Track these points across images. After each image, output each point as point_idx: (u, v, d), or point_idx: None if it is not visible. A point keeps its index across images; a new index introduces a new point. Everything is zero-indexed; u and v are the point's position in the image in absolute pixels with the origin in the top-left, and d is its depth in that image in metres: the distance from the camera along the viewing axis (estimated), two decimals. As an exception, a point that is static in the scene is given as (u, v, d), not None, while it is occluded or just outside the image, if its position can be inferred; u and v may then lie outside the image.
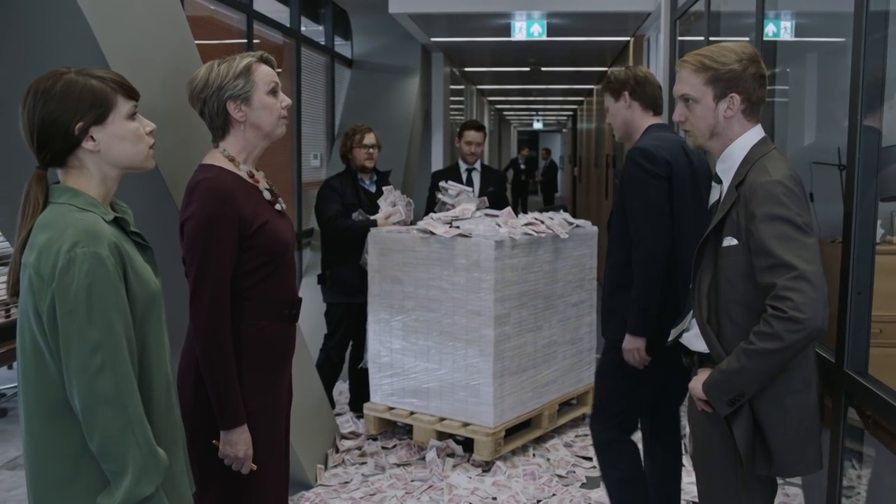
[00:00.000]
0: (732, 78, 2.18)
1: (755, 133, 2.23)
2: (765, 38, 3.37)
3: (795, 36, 4.21)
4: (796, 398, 2.13)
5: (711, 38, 4.38)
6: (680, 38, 5.33)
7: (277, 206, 2.45)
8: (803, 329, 1.97)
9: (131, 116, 1.78)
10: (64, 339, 1.59)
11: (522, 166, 19.96)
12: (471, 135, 5.41)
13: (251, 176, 2.41)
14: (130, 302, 1.69)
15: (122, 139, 1.76)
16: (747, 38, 3.72)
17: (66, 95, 1.70)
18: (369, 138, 4.82)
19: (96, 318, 1.59)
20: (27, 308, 1.64)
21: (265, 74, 2.41)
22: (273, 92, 2.41)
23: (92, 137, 1.73)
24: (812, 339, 2.02)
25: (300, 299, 2.51)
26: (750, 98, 2.19)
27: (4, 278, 4.58)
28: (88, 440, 1.62)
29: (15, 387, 5.51)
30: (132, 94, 1.80)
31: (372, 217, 4.63)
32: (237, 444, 2.29)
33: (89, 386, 1.59)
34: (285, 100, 2.45)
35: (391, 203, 4.69)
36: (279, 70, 2.50)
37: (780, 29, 4.08)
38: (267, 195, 2.43)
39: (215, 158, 2.39)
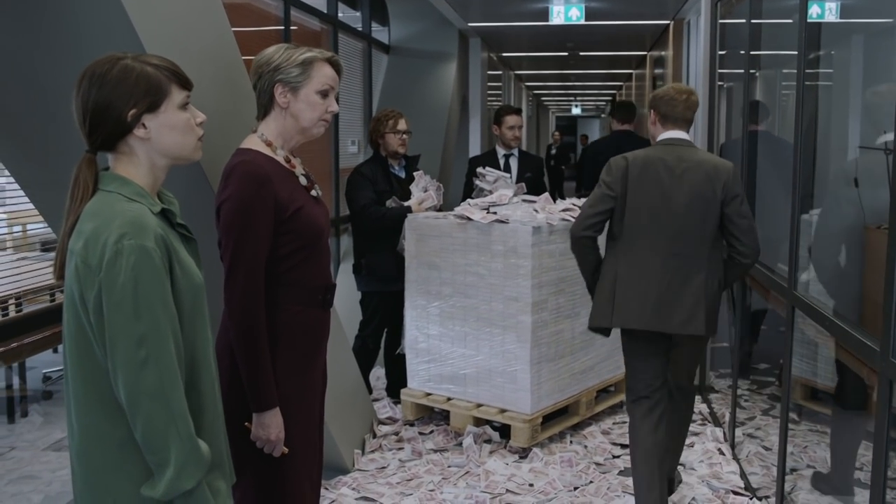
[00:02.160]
0: (652, 101, 3.44)
1: (666, 133, 3.36)
2: (809, 20, 3.29)
3: (841, 17, 4.12)
4: (602, 283, 3.32)
5: (753, 21, 4.29)
6: (721, 21, 5.24)
7: (313, 193, 2.46)
8: (571, 238, 3.32)
9: (183, 106, 1.78)
10: (110, 331, 1.60)
11: (553, 151, 19.68)
12: (513, 119, 5.40)
13: (287, 161, 2.42)
14: (178, 295, 1.69)
15: (172, 128, 1.76)
16: (790, 20, 3.64)
17: (121, 81, 1.70)
18: (402, 124, 4.80)
19: (142, 312, 1.60)
20: (73, 294, 1.65)
21: (324, 75, 2.42)
22: (324, 93, 2.42)
23: (143, 125, 1.72)
24: (576, 245, 3.31)
25: (334, 285, 2.51)
26: (660, 112, 3.37)
27: (48, 263, 4.64)
28: (133, 431, 1.63)
29: (60, 370, 5.62)
30: (186, 83, 1.79)
31: (406, 203, 4.61)
32: (269, 427, 2.30)
33: (134, 379, 1.60)
34: (333, 106, 2.46)
35: (423, 188, 4.68)
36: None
37: (825, 10, 3.99)
38: (303, 181, 2.43)
39: (252, 142, 2.41)
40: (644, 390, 3.35)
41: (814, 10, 3.70)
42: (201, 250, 1.89)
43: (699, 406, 5.00)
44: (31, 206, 3.09)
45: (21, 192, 3.02)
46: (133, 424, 1.62)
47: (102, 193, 1.70)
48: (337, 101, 2.51)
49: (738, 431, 4.29)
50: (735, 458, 4.13)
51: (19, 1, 2.41)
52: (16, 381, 5.04)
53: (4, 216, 4.67)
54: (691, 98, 3.37)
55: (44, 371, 5.59)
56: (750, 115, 4.46)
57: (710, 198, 3.19)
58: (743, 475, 3.92)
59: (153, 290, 1.61)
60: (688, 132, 3.40)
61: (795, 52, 3.28)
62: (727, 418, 4.44)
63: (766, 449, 4.00)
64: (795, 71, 3.29)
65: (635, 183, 3.24)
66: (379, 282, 4.74)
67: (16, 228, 5.22)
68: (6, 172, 3.08)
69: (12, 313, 4.65)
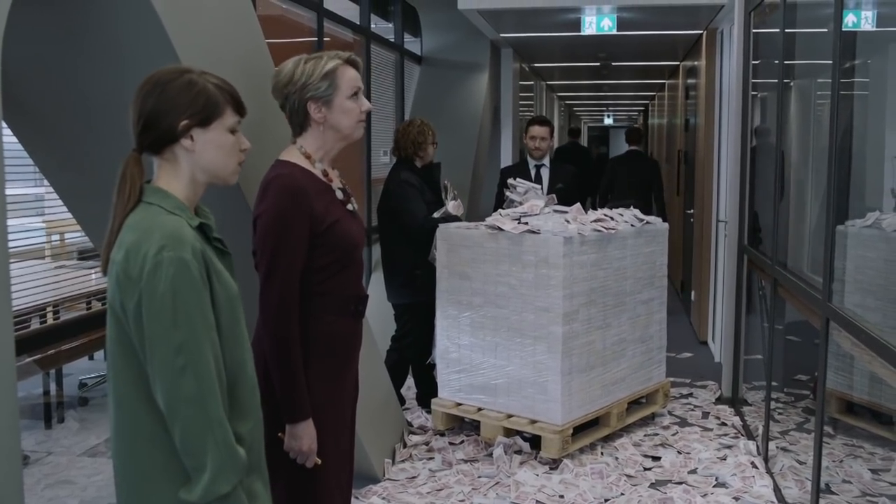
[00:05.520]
0: (626, 133, 8.99)
1: (630, 147, 8.56)
2: (844, 29, 3.26)
3: (877, 26, 4.07)
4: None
5: (787, 31, 4.26)
6: (755, 31, 5.20)
7: (349, 207, 2.48)
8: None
9: (233, 130, 1.85)
10: (149, 338, 1.64)
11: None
12: (535, 130, 5.43)
13: (325, 175, 2.45)
14: (216, 305, 1.74)
15: (218, 147, 1.82)
16: (825, 30, 3.61)
17: (182, 91, 1.77)
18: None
19: (180, 321, 1.64)
20: (114, 302, 1.70)
21: (349, 79, 2.44)
22: (355, 96, 2.45)
23: (191, 137, 1.79)
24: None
25: (367, 296, 2.53)
26: (627, 139, 8.66)
27: (84, 271, 4.69)
28: (172, 436, 1.67)
29: (96, 377, 5.70)
30: (241, 110, 1.87)
31: (447, 212, 4.62)
32: (302, 438, 2.32)
33: (172, 385, 1.64)
34: (365, 104, 2.48)
35: (452, 196, 4.71)
36: (349, 67, 2.52)
37: (861, 19, 3.95)
38: (339, 194, 2.45)
39: (292, 155, 2.44)
40: None
41: (849, 19, 3.66)
42: (237, 261, 1.92)
43: (732, 419, 4.95)
44: (69, 215, 3.14)
45: (59, 202, 3.08)
46: (171, 429, 1.66)
47: (144, 205, 1.75)
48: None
49: (772, 445, 4.24)
50: (768, 471, 4.09)
51: (67, 14, 2.47)
52: (53, 387, 5.12)
53: (43, 225, 4.76)
54: (640, 131, 8.27)
55: (80, 378, 5.66)
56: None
57: (647, 176, 7.90)
58: (776, 489, 3.87)
59: (191, 300, 1.66)
60: (638, 146, 8.28)
61: (830, 62, 3.26)
62: (760, 431, 4.39)
63: (801, 463, 3.95)
64: (830, 80, 3.26)
65: (614, 171, 8.13)
66: (431, 292, 4.71)
67: (54, 237, 5.32)
68: (45, 182, 3.14)
69: (50, 321, 4.73)
